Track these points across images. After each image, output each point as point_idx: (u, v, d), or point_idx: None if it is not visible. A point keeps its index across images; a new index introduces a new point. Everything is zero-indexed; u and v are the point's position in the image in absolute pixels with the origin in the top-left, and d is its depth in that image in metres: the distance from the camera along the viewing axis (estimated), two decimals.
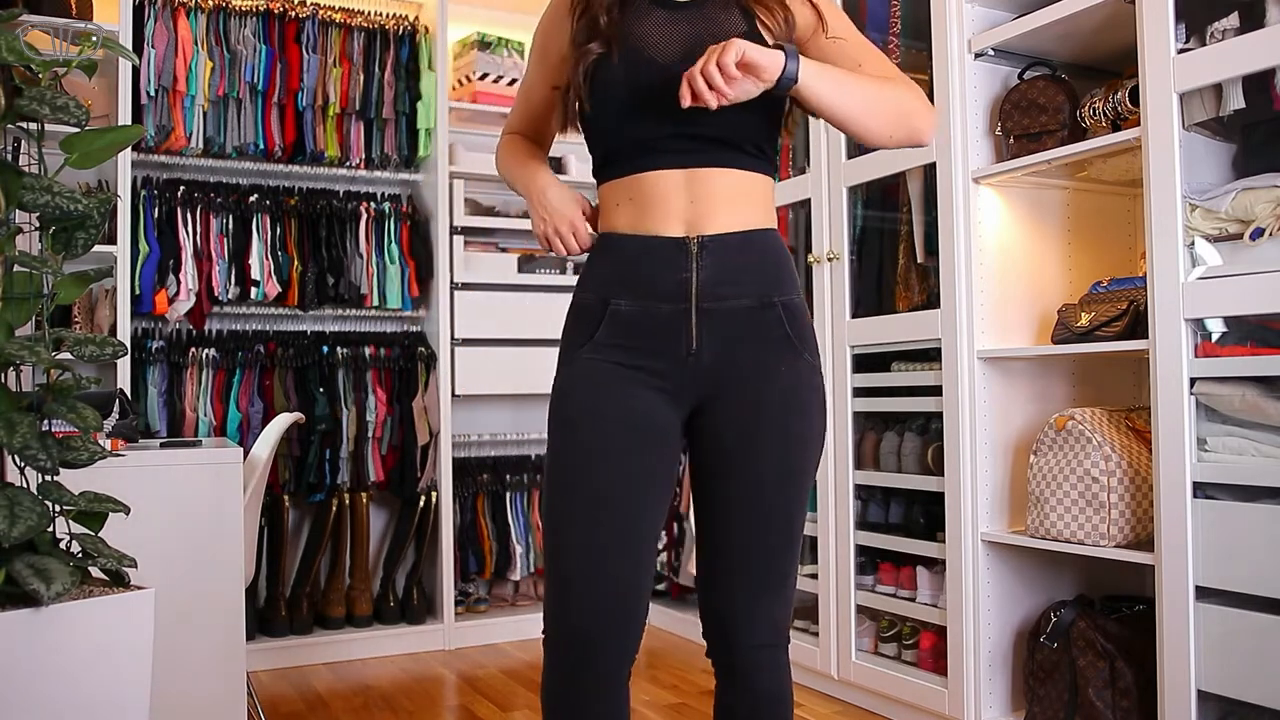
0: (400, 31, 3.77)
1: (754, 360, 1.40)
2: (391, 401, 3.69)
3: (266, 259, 3.54)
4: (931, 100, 2.56)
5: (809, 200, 3.08)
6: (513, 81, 3.96)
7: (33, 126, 1.47)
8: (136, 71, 3.29)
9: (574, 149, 3.89)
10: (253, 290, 3.50)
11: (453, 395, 3.74)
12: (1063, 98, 2.46)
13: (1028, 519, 2.47)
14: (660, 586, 3.95)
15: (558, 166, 3.95)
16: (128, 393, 3.11)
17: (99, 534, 1.49)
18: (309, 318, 3.73)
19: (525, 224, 3.95)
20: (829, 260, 2.99)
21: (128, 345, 3.21)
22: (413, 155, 3.79)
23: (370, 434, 3.62)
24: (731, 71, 1.24)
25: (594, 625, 1.35)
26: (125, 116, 3.20)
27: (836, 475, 2.96)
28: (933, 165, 2.65)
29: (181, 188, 3.46)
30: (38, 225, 1.47)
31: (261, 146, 3.55)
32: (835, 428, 2.95)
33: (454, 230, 3.79)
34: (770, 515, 1.40)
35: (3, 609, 1.34)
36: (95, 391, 1.69)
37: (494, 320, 3.82)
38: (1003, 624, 2.59)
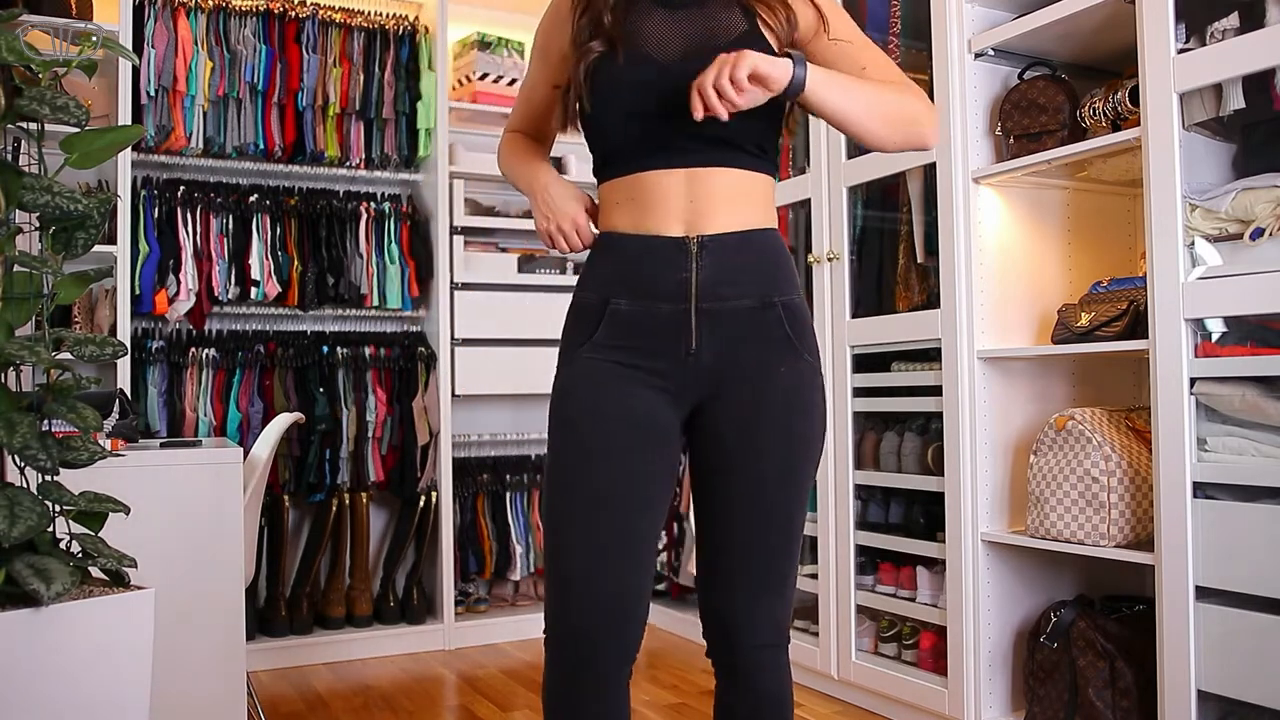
0: (400, 31, 3.77)
1: (754, 360, 1.40)
2: (391, 401, 3.69)
3: (266, 259, 3.54)
4: (931, 100, 2.58)
5: (809, 200, 3.08)
6: (513, 81, 3.96)
7: (33, 126, 1.47)
8: (136, 71, 3.29)
9: (574, 149, 3.89)
10: (253, 290, 3.50)
11: (453, 395, 3.74)
12: (1063, 98, 2.46)
13: (1028, 519, 2.47)
14: (660, 586, 3.95)
15: (558, 166, 3.95)
16: (128, 393, 3.11)
17: (99, 534, 1.49)
18: (309, 318, 3.73)
19: (525, 224, 3.95)
20: (829, 260, 2.99)
21: (128, 345, 3.21)
22: (413, 155, 3.79)
23: (370, 434, 3.62)
24: (743, 84, 1.25)
25: (594, 624, 1.35)
26: (125, 116, 3.20)
27: (836, 475, 2.96)
28: (933, 165, 2.65)
29: (181, 188, 3.46)
30: (38, 225, 1.47)
31: (261, 146, 3.55)
32: (835, 428, 2.95)
33: (454, 230, 3.79)
34: (771, 515, 1.40)
35: (3, 609, 1.34)
36: (95, 391, 1.69)
37: (494, 320, 3.82)
38: (1003, 624, 2.59)
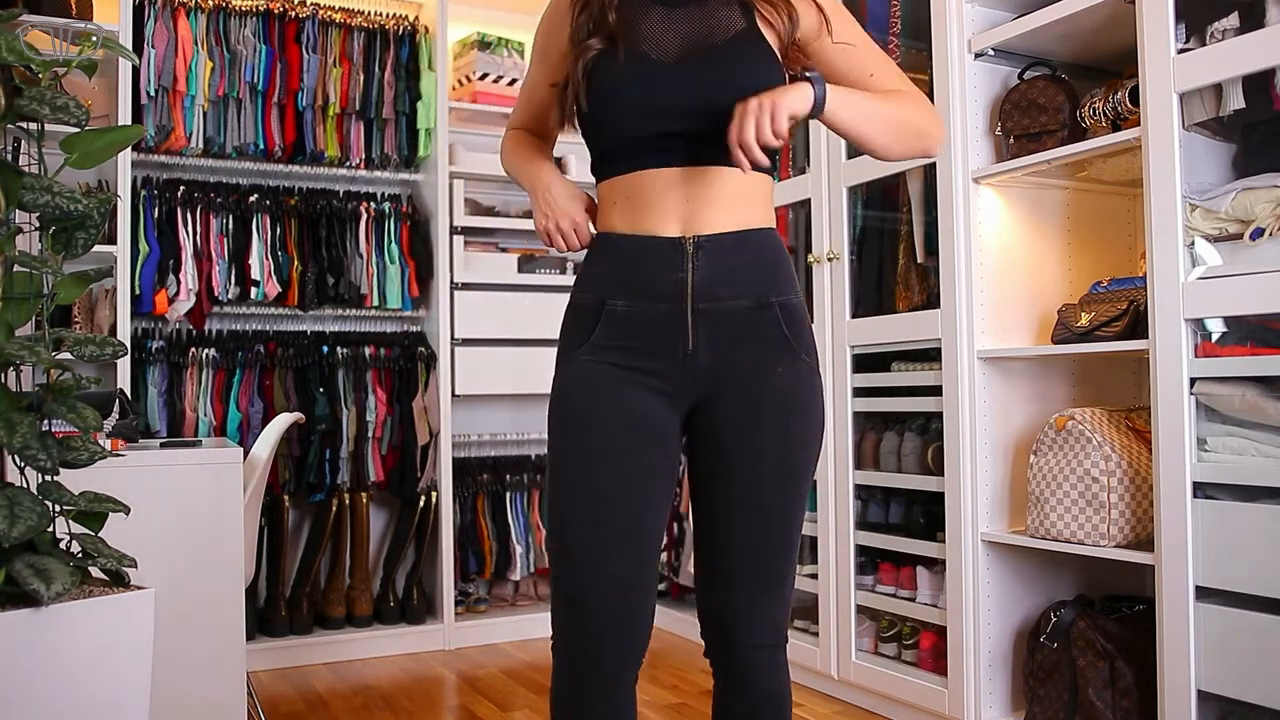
0: (400, 31, 3.77)
1: (752, 360, 1.39)
2: (391, 401, 3.69)
3: (266, 259, 3.54)
4: (931, 100, 2.58)
5: (809, 200, 3.08)
6: (513, 81, 3.96)
7: (33, 126, 1.47)
8: (136, 71, 3.29)
9: (574, 149, 3.88)
10: (253, 290, 3.50)
11: (453, 395, 3.74)
12: (1063, 98, 2.46)
13: (1028, 519, 2.47)
14: (660, 586, 3.95)
15: (559, 166, 3.94)
16: (128, 393, 3.11)
17: (99, 534, 1.49)
18: (309, 318, 3.73)
19: (525, 224, 3.95)
20: (829, 260, 2.99)
21: (128, 345, 3.21)
22: (413, 155, 3.79)
23: (370, 434, 3.62)
24: (784, 132, 1.27)
25: (599, 625, 1.35)
26: (125, 116, 3.20)
27: (836, 475, 2.96)
28: (933, 165, 2.65)
29: (181, 188, 3.46)
30: (38, 225, 1.47)
31: (261, 146, 3.55)
32: (835, 428, 2.95)
33: (454, 230, 3.79)
34: (771, 515, 1.40)
35: (3, 609, 1.34)
36: (95, 391, 1.69)
37: (494, 320, 3.82)
38: (1003, 624, 2.59)
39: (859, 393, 2.93)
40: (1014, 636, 2.60)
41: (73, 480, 1.48)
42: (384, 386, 3.69)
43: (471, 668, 3.44)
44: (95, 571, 1.53)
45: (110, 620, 1.43)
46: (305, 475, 3.54)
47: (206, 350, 3.47)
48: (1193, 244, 2.11)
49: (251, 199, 3.55)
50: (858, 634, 2.93)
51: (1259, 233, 2.02)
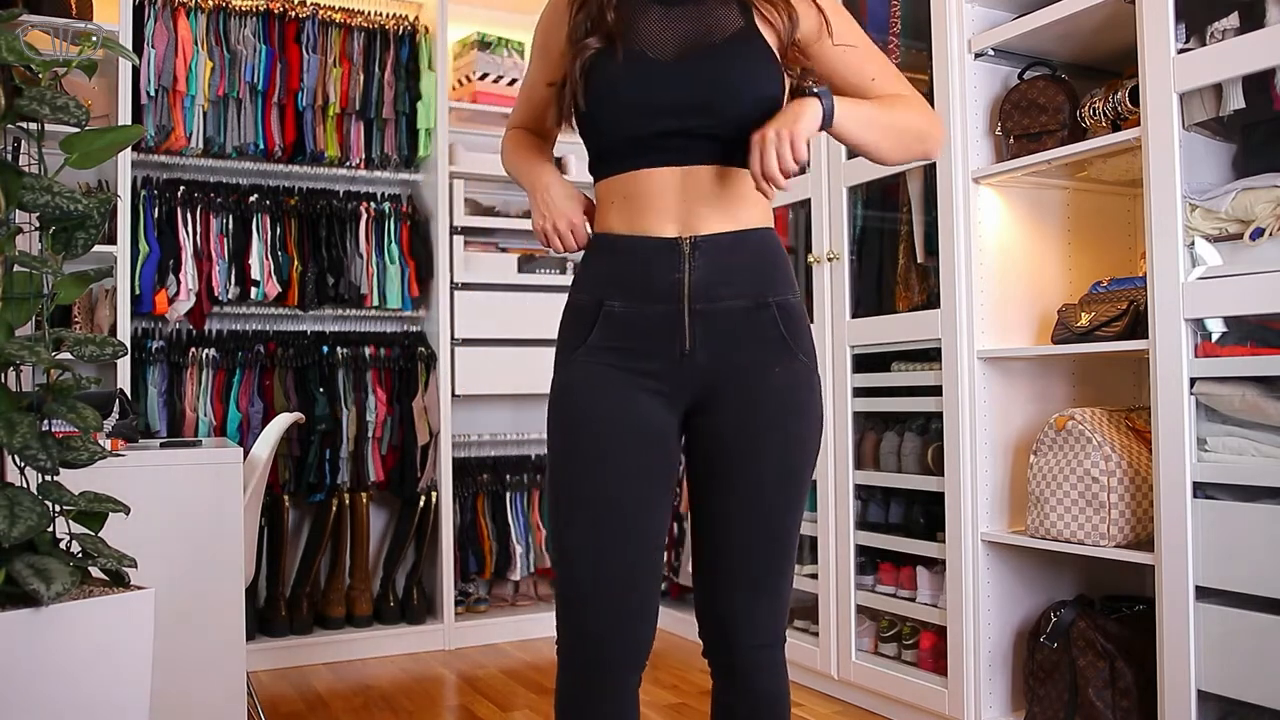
0: (400, 31, 3.77)
1: (749, 361, 1.39)
2: (391, 401, 3.69)
3: (266, 259, 3.54)
4: (931, 100, 2.58)
5: (809, 200, 3.07)
6: (513, 81, 3.96)
7: (33, 126, 1.47)
8: (136, 71, 3.29)
9: (574, 149, 3.89)
10: (253, 290, 3.50)
11: (453, 395, 3.74)
12: (1063, 98, 2.46)
13: (1028, 519, 2.47)
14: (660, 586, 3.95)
15: (558, 166, 3.94)
16: (128, 393, 3.11)
17: (99, 534, 1.49)
18: (309, 318, 3.73)
19: (525, 224, 3.95)
20: (829, 260, 2.99)
21: (128, 345, 3.21)
22: (413, 155, 3.79)
23: (370, 434, 3.62)
24: (804, 154, 1.29)
25: (600, 626, 1.36)
26: (125, 116, 3.20)
27: (836, 475, 2.96)
28: (933, 165, 2.65)
29: (181, 188, 3.46)
30: (38, 225, 1.47)
31: (261, 146, 3.55)
32: (835, 428, 2.95)
33: (454, 230, 3.79)
34: (769, 516, 1.40)
35: (3, 609, 1.34)
36: (95, 391, 1.69)
37: (494, 320, 3.82)
38: (1003, 624, 2.59)
39: (859, 393, 2.93)
40: (1014, 636, 2.60)
41: (73, 480, 1.48)
42: (384, 386, 3.69)
43: (471, 668, 3.44)
44: (95, 571, 1.53)
45: (110, 620, 1.43)
46: (305, 475, 3.54)
47: (206, 350, 3.47)
48: (1193, 244, 2.11)
49: (251, 199, 3.55)
50: (858, 634, 2.93)
51: (1259, 233, 2.02)
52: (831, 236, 2.99)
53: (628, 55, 1.38)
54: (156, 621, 1.49)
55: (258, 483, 2.59)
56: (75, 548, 1.46)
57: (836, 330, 2.96)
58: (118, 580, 1.50)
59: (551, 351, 1.48)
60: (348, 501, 3.65)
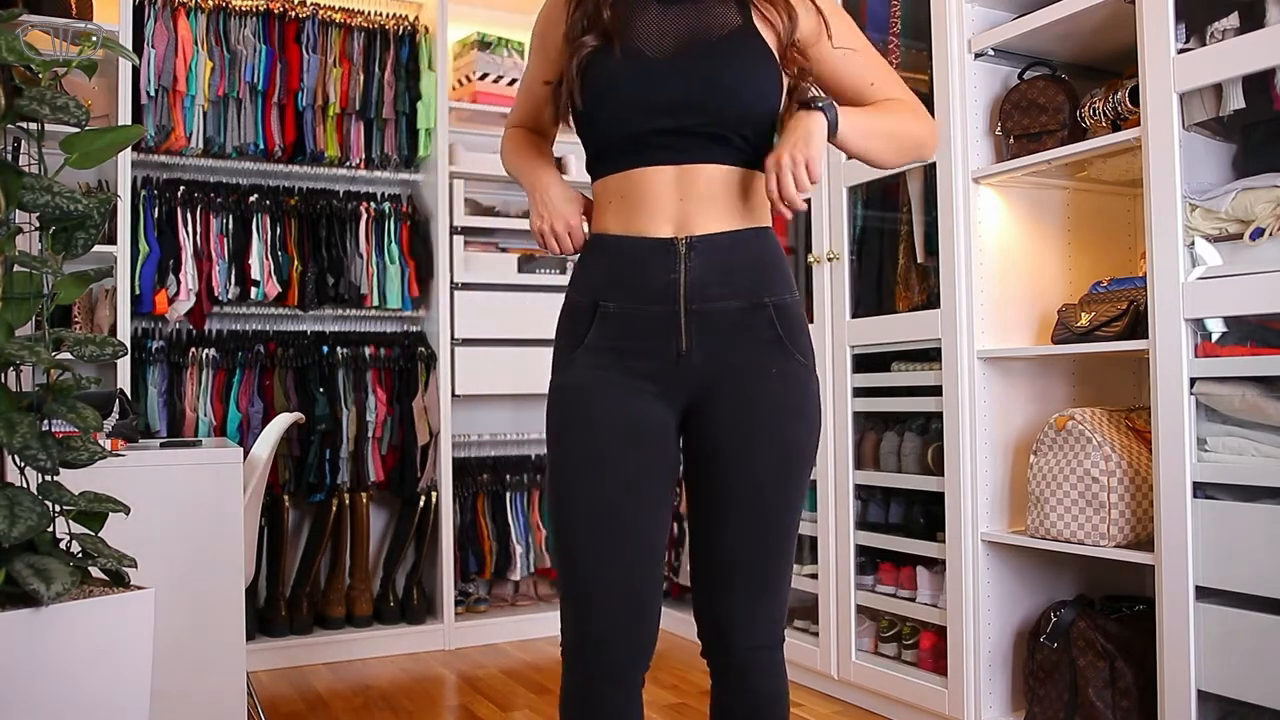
0: (400, 31, 3.77)
1: (746, 361, 1.39)
2: (391, 401, 3.69)
3: (266, 259, 3.54)
4: (931, 100, 2.58)
5: (809, 200, 3.07)
6: (512, 81, 3.96)
7: (33, 126, 1.47)
8: (136, 71, 3.29)
9: (574, 149, 3.88)
10: (253, 290, 3.50)
11: (453, 395, 3.74)
12: (1063, 98, 2.46)
13: (1028, 519, 2.47)
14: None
15: (558, 166, 3.95)
16: (128, 393, 3.11)
17: (99, 534, 1.49)
18: (309, 318, 3.73)
19: (525, 224, 3.95)
20: (829, 260, 2.99)
21: (128, 345, 3.21)
22: (413, 155, 3.79)
23: (370, 434, 3.62)
24: (819, 177, 1.31)
25: (602, 627, 1.36)
26: (125, 116, 3.20)
27: (836, 475, 2.96)
28: (933, 165, 2.65)
29: (181, 188, 3.46)
30: (38, 225, 1.47)
31: (261, 146, 3.55)
32: (835, 428, 2.95)
33: (454, 230, 3.79)
34: (768, 516, 1.40)
35: (3, 609, 1.34)
36: (95, 391, 1.69)
37: (494, 320, 3.82)
38: (1003, 624, 2.59)
39: (859, 393, 2.93)
40: (1014, 636, 2.60)
41: (73, 480, 1.48)
42: (384, 386, 3.69)
43: (471, 668, 3.44)
44: (95, 571, 1.53)
45: (110, 620, 1.43)
46: (305, 475, 3.54)
47: (206, 350, 3.47)
48: (1193, 244, 2.11)
49: (251, 199, 3.55)
50: (858, 634, 2.93)
51: (1259, 233, 2.02)
52: (831, 236, 2.99)
53: (625, 53, 1.38)
54: (156, 621, 1.49)
55: (258, 483, 2.59)
56: (75, 548, 1.46)
57: (836, 330, 2.96)
58: (118, 580, 1.50)
59: (551, 351, 1.48)
60: (348, 501, 3.65)
